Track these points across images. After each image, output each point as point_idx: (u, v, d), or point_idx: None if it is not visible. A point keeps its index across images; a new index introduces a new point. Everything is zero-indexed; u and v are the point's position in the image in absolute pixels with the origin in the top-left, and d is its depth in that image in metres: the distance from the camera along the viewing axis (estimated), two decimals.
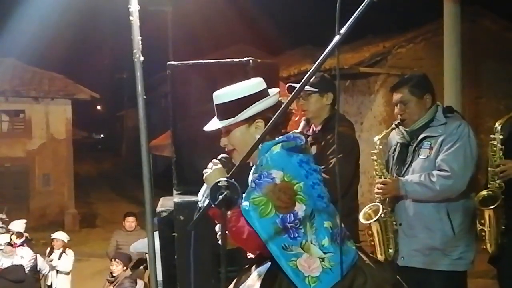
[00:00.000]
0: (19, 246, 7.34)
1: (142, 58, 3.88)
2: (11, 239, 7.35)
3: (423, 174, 3.15)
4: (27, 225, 8.66)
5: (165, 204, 3.36)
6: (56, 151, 16.41)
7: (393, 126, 3.39)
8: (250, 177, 2.19)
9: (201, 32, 22.97)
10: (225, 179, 1.75)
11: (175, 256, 3.12)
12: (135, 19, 3.87)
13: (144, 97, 3.89)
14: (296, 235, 2.03)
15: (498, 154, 3.11)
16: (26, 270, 7.11)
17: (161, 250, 3.36)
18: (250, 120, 2.18)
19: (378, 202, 3.35)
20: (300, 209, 2.03)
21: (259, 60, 3.20)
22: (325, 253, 2.05)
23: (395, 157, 3.40)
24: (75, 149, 17.34)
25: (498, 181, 3.10)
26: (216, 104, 2.23)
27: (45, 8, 9.88)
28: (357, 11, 1.56)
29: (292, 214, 2.02)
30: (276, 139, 2.13)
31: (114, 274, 6.92)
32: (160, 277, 3.65)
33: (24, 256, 7.22)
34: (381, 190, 3.29)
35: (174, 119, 3.31)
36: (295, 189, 2.04)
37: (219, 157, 2.27)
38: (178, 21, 20.62)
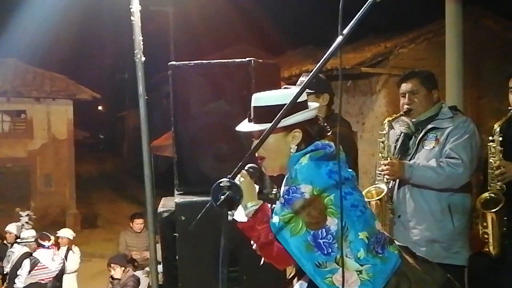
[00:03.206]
0: (47, 248, 7.35)
1: (143, 59, 3.89)
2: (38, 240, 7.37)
3: (432, 159, 3.18)
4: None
5: (167, 204, 3.35)
6: (57, 152, 16.43)
7: (402, 113, 3.41)
8: (282, 189, 2.11)
9: (203, 32, 22.97)
10: (227, 179, 1.74)
11: (176, 257, 3.11)
12: (136, 19, 3.88)
13: (146, 97, 3.89)
14: (330, 250, 1.95)
15: (498, 156, 3.11)
16: (55, 274, 7.09)
17: (162, 250, 3.35)
18: (289, 129, 2.07)
19: (380, 183, 3.35)
20: (332, 223, 1.96)
21: (260, 61, 3.19)
22: (361, 265, 1.97)
23: (398, 147, 3.43)
24: (76, 149, 17.36)
25: (499, 183, 3.10)
26: (255, 106, 2.12)
27: (47, 8, 9.89)
28: (359, 12, 1.55)
29: (324, 229, 1.95)
30: (305, 149, 2.05)
31: (115, 277, 6.93)
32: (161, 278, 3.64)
33: (55, 259, 7.22)
34: (386, 171, 3.30)
35: (176, 120, 3.30)
36: (326, 203, 1.97)
37: (247, 167, 2.10)
38: (180, 21, 20.67)
